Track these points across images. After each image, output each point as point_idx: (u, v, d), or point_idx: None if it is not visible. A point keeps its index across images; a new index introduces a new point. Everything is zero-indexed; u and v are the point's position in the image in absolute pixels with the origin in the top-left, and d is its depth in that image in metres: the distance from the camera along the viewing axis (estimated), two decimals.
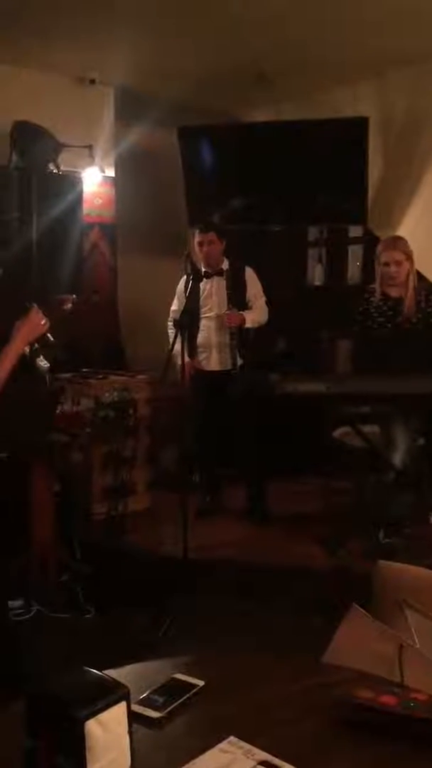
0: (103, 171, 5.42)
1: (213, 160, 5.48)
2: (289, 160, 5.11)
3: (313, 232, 5.91)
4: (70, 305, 4.68)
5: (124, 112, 5.54)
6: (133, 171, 5.78)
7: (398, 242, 4.06)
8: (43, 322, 2.66)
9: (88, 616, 3.35)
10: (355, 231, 5.66)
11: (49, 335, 2.73)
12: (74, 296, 4.70)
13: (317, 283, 5.90)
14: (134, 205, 5.84)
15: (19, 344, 2.63)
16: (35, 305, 2.68)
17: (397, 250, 3.97)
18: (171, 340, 3.82)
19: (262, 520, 4.59)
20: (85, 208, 5.09)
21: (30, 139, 4.70)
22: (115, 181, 5.62)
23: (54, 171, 4.89)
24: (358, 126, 4.92)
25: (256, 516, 4.62)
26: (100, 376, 4.75)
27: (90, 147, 5.27)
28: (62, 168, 4.95)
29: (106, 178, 5.52)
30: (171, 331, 4.47)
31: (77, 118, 5.18)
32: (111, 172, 5.56)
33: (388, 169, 5.32)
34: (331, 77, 5.23)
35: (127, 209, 5.77)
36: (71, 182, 4.89)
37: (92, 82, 5.24)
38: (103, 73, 5.18)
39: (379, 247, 4.09)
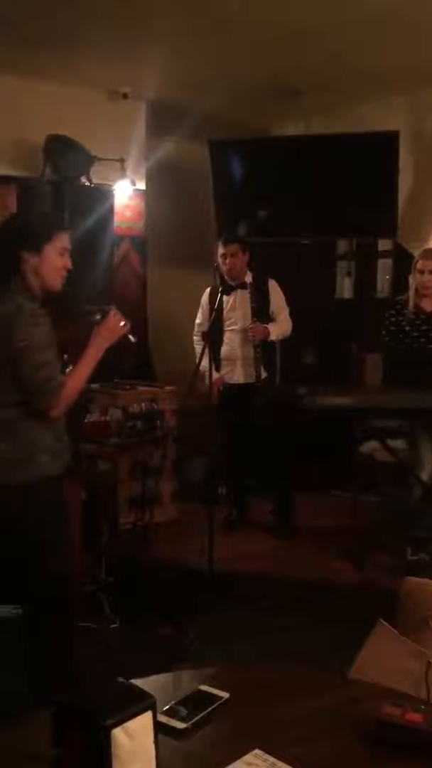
0: (134, 184, 5.47)
1: (243, 173, 5.50)
2: (320, 174, 5.10)
3: (342, 245, 5.90)
4: (99, 316, 4.71)
5: (155, 126, 5.60)
6: (163, 184, 5.83)
7: None
8: (122, 324, 2.47)
9: (113, 626, 3.37)
10: (384, 244, 5.64)
11: (130, 336, 2.52)
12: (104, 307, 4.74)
13: (346, 296, 5.89)
14: (164, 218, 5.89)
15: (99, 348, 2.42)
16: (113, 307, 2.49)
17: None
18: (198, 352, 3.83)
19: (289, 533, 4.56)
20: (116, 220, 5.16)
21: (62, 152, 4.78)
22: (146, 194, 5.67)
23: (86, 184, 4.96)
24: (389, 140, 4.91)
25: (283, 529, 4.60)
26: (129, 387, 4.78)
27: (121, 160, 5.32)
28: (94, 181, 5.01)
29: (137, 190, 5.56)
30: (198, 345, 4.49)
31: (109, 132, 5.25)
32: (142, 185, 5.61)
33: (418, 183, 5.30)
34: (362, 91, 5.23)
35: (157, 222, 5.82)
36: (103, 195, 4.96)
37: (125, 96, 5.30)
38: (135, 88, 5.24)
39: (417, 257, 4.08)
